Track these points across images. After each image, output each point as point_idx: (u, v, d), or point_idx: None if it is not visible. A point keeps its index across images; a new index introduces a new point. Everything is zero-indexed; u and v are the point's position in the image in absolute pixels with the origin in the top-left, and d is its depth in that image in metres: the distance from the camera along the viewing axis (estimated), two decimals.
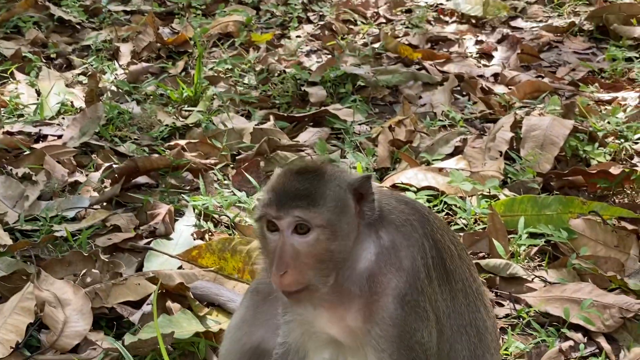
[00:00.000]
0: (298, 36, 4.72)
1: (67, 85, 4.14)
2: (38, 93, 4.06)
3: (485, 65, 4.40)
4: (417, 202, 1.99)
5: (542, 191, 3.08)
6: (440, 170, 3.19)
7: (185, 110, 3.95)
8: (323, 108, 3.94)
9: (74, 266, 2.77)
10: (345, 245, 1.78)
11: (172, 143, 3.63)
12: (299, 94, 4.11)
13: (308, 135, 3.78)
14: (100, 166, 3.36)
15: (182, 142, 3.63)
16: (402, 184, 3.14)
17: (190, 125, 3.81)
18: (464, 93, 4.11)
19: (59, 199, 3.14)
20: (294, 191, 1.76)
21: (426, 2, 4.92)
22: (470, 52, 4.50)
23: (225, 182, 3.38)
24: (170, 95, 4.04)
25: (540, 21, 4.70)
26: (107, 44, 4.62)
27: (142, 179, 3.33)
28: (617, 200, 3.05)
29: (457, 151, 3.41)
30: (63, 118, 3.82)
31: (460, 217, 2.92)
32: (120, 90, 4.11)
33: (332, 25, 4.74)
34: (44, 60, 4.46)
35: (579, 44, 4.47)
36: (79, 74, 4.34)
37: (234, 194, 3.19)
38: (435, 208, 2.95)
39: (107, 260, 2.70)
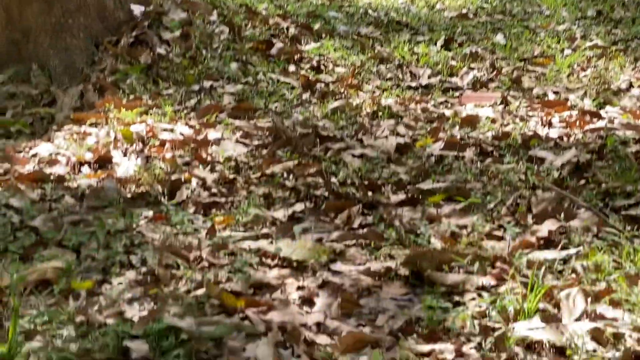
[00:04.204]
0: (120, 283, 4.67)
1: None
2: None
3: (307, 312, 4.48)
4: None
5: None
6: None
7: None
8: None
9: None
10: None
11: None
12: (121, 348, 4.03)
13: None
14: None
15: None
16: None
17: None
18: (288, 345, 4.16)
19: None
20: None
21: (249, 246, 5.01)
22: (292, 299, 4.57)
23: None
24: None
25: (359, 264, 4.84)
26: None
27: None
28: None
29: None
30: None
31: None
32: None
33: (154, 271, 4.73)
34: None
35: (397, 289, 4.60)
36: None
37: None
38: None
39: None
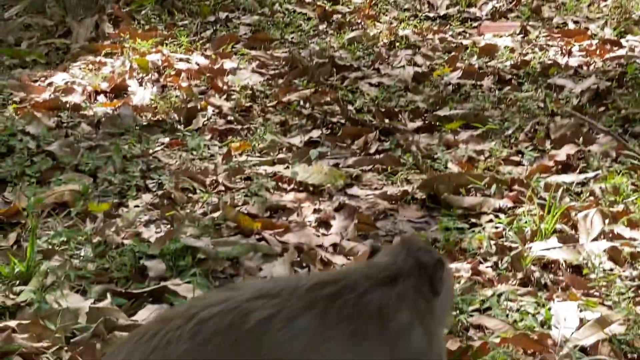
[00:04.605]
0: (137, 206, 4.68)
1: None
2: None
3: (324, 234, 4.53)
4: None
5: None
6: None
7: (17, 287, 3.81)
8: (162, 284, 3.74)
9: None
10: None
11: (1, 325, 3.47)
12: (137, 268, 4.05)
13: (147, 313, 3.51)
14: None
15: (13, 324, 3.44)
16: None
17: (22, 304, 3.67)
18: (304, 265, 4.08)
19: None
20: None
21: (265, 170, 5.00)
22: (308, 221, 4.60)
23: None
24: (1, 271, 3.89)
25: (376, 189, 4.85)
26: None
27: None
28: None
29: None
30: None
31: None
32: None
33: (171, 194, 4.74)
34: None
35: (413, 212, 4.61)
36: None
37: None
38: None
39: None
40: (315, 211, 4.58)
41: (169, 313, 1.98)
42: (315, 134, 5.41)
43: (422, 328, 2.05)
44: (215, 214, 4.46)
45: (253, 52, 6.92)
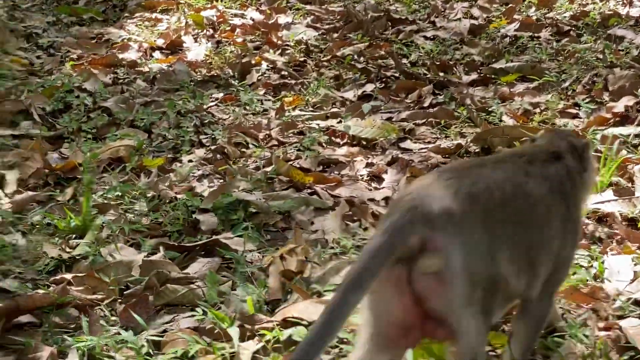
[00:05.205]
0: (190, 160, 4.70)
1: None
2: None
3: (376, 188, 4.49)
4: None
5: None
6: None
7: (73, 240, 3.87)
8: (214, 237, 3.76)
9: None
10: None
11: (57, 277, 3.54)
12: (190, 221, 4.08)
13: (199, 266, 3.58)
14: None
15: (69, 276, 3.51)
16: (294, 317, 3.11)
17: (77, 257, 3.73)
18: (355, 218, 4.15)
19: None
20: None
21: (318, 125, 4.98)
22: (361, 175, 4.57)
23: (113, 318, 3.29)
24: (58, 225, 3.95)
25: (429, 142, 4.79)
26: None
27: (24, 318, 3.21)
28: None
29: None
30: None
31: None
32: (4, 220, 4.00)
33: (224, 149, 4.75)
34: None
35: None
36: None
37: (120, 333, 3.10)
38: None
39: None
40: (368, 165, 4.55)
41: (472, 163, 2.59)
42: (369, 87, 5.36)
43: (576, 196, 2.56)
44: (268, 168, 4.45)
45: (308, 7, 6.87)
